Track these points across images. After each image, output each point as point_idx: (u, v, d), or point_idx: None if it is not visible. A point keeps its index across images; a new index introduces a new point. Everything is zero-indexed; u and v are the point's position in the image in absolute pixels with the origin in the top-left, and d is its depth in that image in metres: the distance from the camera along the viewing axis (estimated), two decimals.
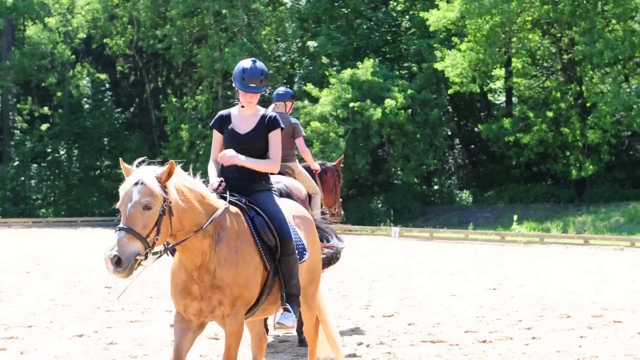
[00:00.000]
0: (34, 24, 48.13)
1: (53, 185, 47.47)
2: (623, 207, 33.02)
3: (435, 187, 46.81)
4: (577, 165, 36.30)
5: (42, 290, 13.43)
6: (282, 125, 6.53)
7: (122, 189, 5.39)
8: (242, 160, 6.33)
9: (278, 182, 9.00)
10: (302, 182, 9.53)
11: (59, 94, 50.01)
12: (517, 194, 39.19)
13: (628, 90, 34.90)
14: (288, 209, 6.66)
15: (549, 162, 38.45)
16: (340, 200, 10.94)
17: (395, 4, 45.57)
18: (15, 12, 47.08)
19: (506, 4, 34.97)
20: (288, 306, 6.22)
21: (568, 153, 37.72)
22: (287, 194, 8.86)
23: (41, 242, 28.07)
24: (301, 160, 10.30)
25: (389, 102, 38.30)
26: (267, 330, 9.19)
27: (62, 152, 48.83)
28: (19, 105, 50.84)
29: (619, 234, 28.47)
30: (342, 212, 11.12)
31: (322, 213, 10.09)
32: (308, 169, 10.06)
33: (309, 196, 9.67)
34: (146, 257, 5.29)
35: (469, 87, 38.38)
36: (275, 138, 6.53)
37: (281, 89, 9.93)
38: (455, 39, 38.63)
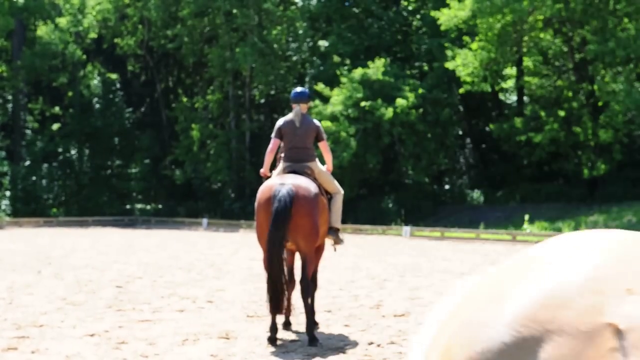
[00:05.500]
0: (44, 24, 48.25)
1: (64, 185, 47.58)
2: (635, 206, 32.84)
3: (447, 187, 46.76)
4: (589, 164, 36.18)
5: (53, 290, 13.42)
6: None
7: None
8: None
9: (282, 183, 9.00)
10: (323, 182, 9.60)
11: (69, 93, 50.13)
12: (529, 194, 39.11)
13: None
14: None
15: (560, 162, 38.34)
16: None
17: (406, 3, 45.51)
18: (26, 12, 47.24)
19: (517, 2, 34.86)
20: None
21: (580, 152, 37.60)
22: (289, 196, 8.81)
23: (52, 241, 28.11)
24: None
25: (399, 102, 38.26)
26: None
27: (73, 152, 48.98)
28: (30, 105, 51.01)
29: None
30: None
31: None
32: None
33: (330, 195, 9.76)
34: None
35: (480, 86, 38.29)
36: None
37: (297, 89, 9.92)
38: (466, 38, 38.55)
